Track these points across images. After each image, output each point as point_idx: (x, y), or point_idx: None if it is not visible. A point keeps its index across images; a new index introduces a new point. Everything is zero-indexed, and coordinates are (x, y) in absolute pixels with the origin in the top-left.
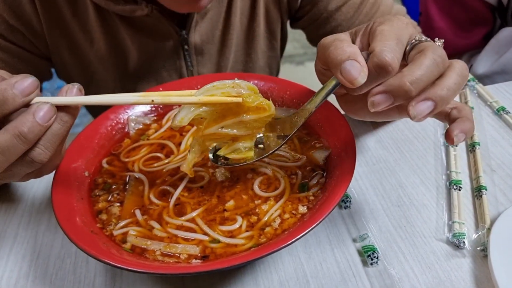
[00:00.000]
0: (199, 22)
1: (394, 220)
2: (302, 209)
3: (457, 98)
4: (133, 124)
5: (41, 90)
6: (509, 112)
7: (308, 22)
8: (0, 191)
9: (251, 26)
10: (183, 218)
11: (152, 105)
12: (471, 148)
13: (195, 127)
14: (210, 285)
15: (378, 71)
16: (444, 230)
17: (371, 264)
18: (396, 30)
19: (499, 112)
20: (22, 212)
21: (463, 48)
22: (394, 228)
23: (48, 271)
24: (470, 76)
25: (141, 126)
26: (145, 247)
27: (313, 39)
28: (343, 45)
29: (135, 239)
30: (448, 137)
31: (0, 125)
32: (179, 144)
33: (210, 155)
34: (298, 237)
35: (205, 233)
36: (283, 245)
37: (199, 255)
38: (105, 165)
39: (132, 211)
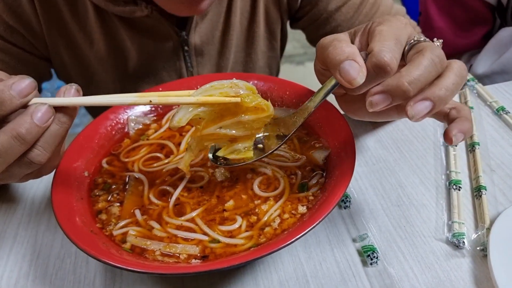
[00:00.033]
0: (199, 23)
1: (394, 220)
2: (302, 209)
3: (456, 98)
4: (132, 124)
5: (41, 90)
6: (509, 112)
7: (308, 22)
8: (0, 191)
9: (251, 27)
10: (182, 218)
11: (151, 105)
12: (471, 148)
13: (194, 127)
14: (210, 285)
15: (377, 71)
16: (443, 230)
17: (371, 264)
18: (395, 30)
19: (499, 112)
20: (22, 212)
21: (462, 48)
22: (393, 228)
23: (48, 271)
24: (470, 76)
25: (140, 126)
26: (144, 247)
27: (313, 40)
28: (342, 45)
29: (134, 239)
30: (447, 137)
31: None
32: (179, 144)
33: (210, 155)
34: (297, 237)
35: (205, 233)
36: (282, 245)
37: (198, 255)
38: (104, 165)
39: (132, 211)
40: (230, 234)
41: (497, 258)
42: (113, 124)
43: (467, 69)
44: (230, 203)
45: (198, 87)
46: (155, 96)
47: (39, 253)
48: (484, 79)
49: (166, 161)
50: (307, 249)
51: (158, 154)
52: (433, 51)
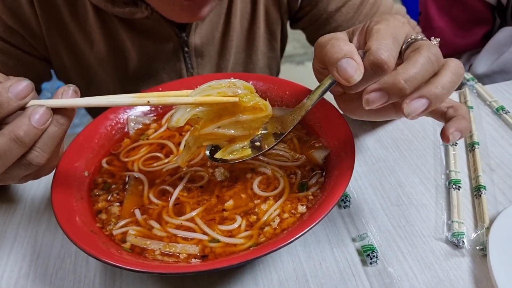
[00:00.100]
0: (199, 24)
1: (394, 219)
2: (301, 208)
3: (456, 98)
4: (132, 124)
5: (40, 91)
6: (508, 112)
7: (308, 23)
8: (0, 192)
9: (251, 28)
10: (182, 217)
11: (150, 106)
12: (470, 147)
13: (193, 127)
14: (210, 285)
15: (374, 69)
16: (443, 230)
17: (371, 263)
18: (392, 29)
19: (499, 111)
20: (22, 212)
21: (462, 48)
22: (393, 227)
23: (48, 271)
24: (470, 76)
25: (140, 126)
26: (144, 246)
27: (313, 40)
28: (340, 43)
29: (134, 239)
30: (444, 135)
31: None
32: (179, 144)
33: (207, 152)
34: (297, 236)
35: (205, 233)
36: (282, 245)
37: (198, 254)
38: (104, 165)
39: (132, 210)
40: (230, 234)
41: (496, 257)
42: (113, 124)
43: (463, 68)
44: (229, 203)
45: (198, 87)
46: (153, 96)
47: (39, 253)
48: (484, 78)
49: (166, 160)
50: (307, 249)
51: (158, 154)
52: (429, 49)
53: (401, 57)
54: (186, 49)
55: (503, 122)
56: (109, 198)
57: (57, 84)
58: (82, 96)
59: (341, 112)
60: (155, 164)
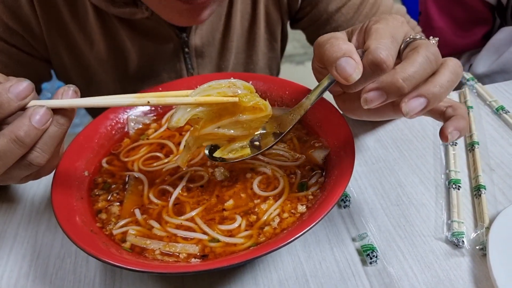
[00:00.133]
0: (200, 25)
1: (393, 219)
2: (301, 208)
3: (456, 98)
4: (132, 124)
5: (40, 91)
6: (508, 112)
7: (308, 23)
8: (0, 191)
9: (252, 28)
10: (182, 217)
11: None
12: (470, 147)
13: (193, 127)
14: (210, 284)
15: (373, 68)
16: (443, 229)
17: (370, 263)
18: (391, 29)
19: (498, 111)
20: (22, 212)
21: (462, 48)
22: (393, 227)
23: (48, 271)
24: (470, 76)
25: (140, 126)
26: (144, 246)
27: (313, 40)
28: (339, 43)
29: (134, 238)
30: (442, 135)
31: None
32: (179, 143)
33: (206, 151)
34: (297, 236)
35: (205, 232)
36: (282, 244)
37: (198, 254)
38: (104, 165)
39: (132, 210)
40: (230, 233)
41: (496, 257)
42: (113, 123)
43: (462, 67)
44: (229, 203)
45: (197, 86)
46: (153, 97)
47: (39, 252)
48: (484, 78)
49: (166, 160)
50: (307, 248)
51: (158, 154)
52: (428, 48)
53: (400, 57)
54: (186, 49)
55: (503, 122)
56: (109, 198)
57: (57, 84)
58: (82, 96)
59: (341, 112)
60: (155, 164)
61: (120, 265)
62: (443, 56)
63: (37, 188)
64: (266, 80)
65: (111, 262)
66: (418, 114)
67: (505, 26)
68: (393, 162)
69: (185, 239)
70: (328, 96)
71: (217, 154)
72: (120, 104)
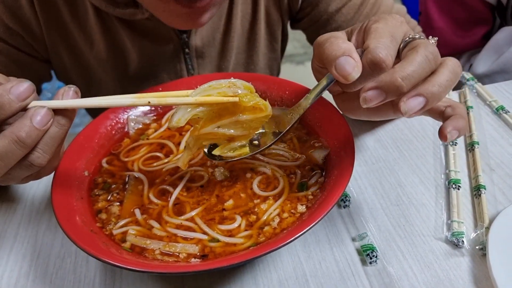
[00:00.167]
0: None
1: (393, 219)
2: (301, 208)
3: (456, 98)
4: (132, 124)
5: (40, 91)
6: (508, 112)
7: (308, 23)
8: (0, 191)
9: (252, 29)
10: (182, 217)
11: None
12: (470, 147)
13: (193, 127)
14: (210, 284)
15: (372, 67)
16: (443, 229)
17: (370, 263)
18: (391, 28)
19: (498, 111)
20: (22, 212)
21: (462, 48)
22: (393, 227)
23: (48, 271)
24: (470, 76)
25: (140, 126)
26: (144, 246)
27: (314, 40)
28: (339, 42)
29: (134, 238)
30: (441, 134)
31: None
32: (179, 143)
33: (205, 150)
34: (297, 236)
35: (204, 232)
36: (282, 244)
37: (198, 254)
38: (104, 165)
39: (132, 210)
40: (230, 233)
41: (496, 257)
42: (113, 123)
43: (461, 67)
44: (229, 203)
45: (198, 86)
46: (153, 97)
47: (39, 252)
48: (484, 78)
49: (166, 160)
50: (307, 248)
51: (158, 154)
52: (427, 47)
53: (399, 56)
54: (186, 50)
55: (503, 122)
56: (109, 197)
57: (57, 84)
58: (82, 97)
59: (340, 112)
60: (155, 164)
61: (120, 265)
62: (443, 56)
63: (37, 188)
64: (266, 80)
65: (111, 262)
66: (417, 114)
67: (505, 26)
68: (393, 162)
69: (185, 239)
70: (328, 96)
71: (216, 152)
72: (121, 105)
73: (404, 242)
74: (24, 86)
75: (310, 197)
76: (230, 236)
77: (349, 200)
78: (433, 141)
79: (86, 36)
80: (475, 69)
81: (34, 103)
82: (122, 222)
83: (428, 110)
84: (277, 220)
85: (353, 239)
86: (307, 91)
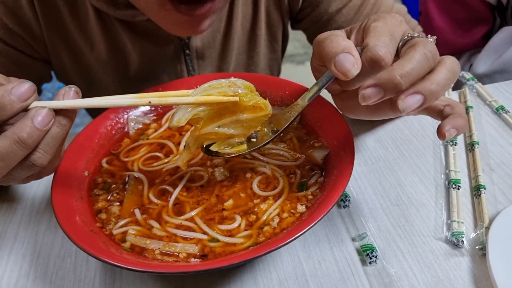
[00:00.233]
0: None
1: (393, 219)
2: (301, 208)
3: (456, 98)
4: (132, 124)
5: (40, 92)
6: (508, 111)
7: (309, 24)
8: (0, 191)
9: (253, 30)
10: (182, 217)
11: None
12: (470, 147)
13: (193, 127)
14: (210, 284)
15: (371, 65)
16: (442, 229)
17: (370, 263)
18: (390, 27)
19: (498, 111)
20: (23, 212)
21: (462, 48)
22: (393, 227)
23: (48, 271)
24: (470, 75)
25: (140, 126)
26: (144, 246)
27: None
28: (338, 39)
29: (134, 238)
30: (440, 132)
31: None
32: (179, 143)
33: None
34: (296, 236)
35: (204, 232)
36: (281, 244)
37: (198, 254)
38: (104, 165)
39: (132, 210)
40: (229, 233)
41: (496, 257)
42: (113, 123)
43: (459, 65)
44: (229, 202)
45: (198, 86)
46: (154, 97)
47: (39, 252)
48: (484, 78)
49: (166, 160)
50: (306, 248)
51: (158, 154)
52: (425, 46)
53: (398, 55)
54: (187, 51)
55: (503, 122)
56: (109, 197)
57: (58, 85)
58: (82, 97)
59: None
60: (155, 164)
61: (120, 265)
62: (442, 56)
63: (37, 188)
64: (266, 80)
65: (111, 262)
66: (414, 111)
67: (505, 26)
68: (393, 162)
69: (185, 239)
70: (327, 96)
71: (213, 148)
72: (122, 105)
73: (404, 242)
74: (25, 86)
75: (310, 197)
76: (230, 236)
77: (349, 200)
78: (433, 141)
79: (86, 37)
80: (475, 69)
81: (35, 104)
82: (122, 222)
83: (427, 108)
84: (276, 220)
85: (353, 239)
86: (307, 91)
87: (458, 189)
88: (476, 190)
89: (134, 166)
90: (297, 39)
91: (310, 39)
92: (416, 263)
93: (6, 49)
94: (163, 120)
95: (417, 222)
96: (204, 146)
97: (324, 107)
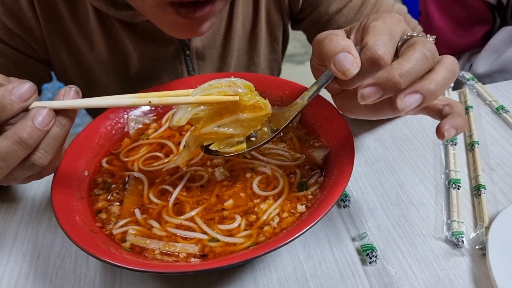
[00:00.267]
0: None
1: (393, 219)
2: (301, 208)
3: (456, 98)
4: (132, 124)
5: (40, 92)
6: (508, 111)
7: (309, 24)
8: (0, 191)
9: (253, 30)
10: (182, 217)
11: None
12: (470, 147)
13: (193, 126)
14: (210, 284)
15: (371, 64)
16: (442, 229)
17: (370, 263)
18: (389, 26)
19: (498, 111)
20: (23, 212)
21: (462, 47)
22: (393, 227)
23: (48, 271)
24: (470, 75)
25: (140, 126)
26: (144, 246)
27: None
28: (338, 38)
29: (134, 238)
30: (439, 132)
31: None
32: (179, 143)
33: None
34: (296, 235)
35: (204, 232)
36: (281, 244)
37: (198, 254)
38: (104, 165)
39: (132, 210)
40: (229, 233)
41: (496, 257)
42: (113, 123)
43: (458, 65)
44: (229, 202)
45: (198, 86)
46: (154, 96)
47: (39, 252)
48: (484, 78)
49: (166, 160)
50: (306, 248)
51: (158, 154)
52: (424, 45)
53: (397, 55)
54: (187, 52)
55: (503, 122)
56: (109, 197)
57: (58, 85)
58: (82, 97)
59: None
60: (155, 164)
61: (120, 264)
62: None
63: (37, 188)
64: (266, 80)
65: (111, 261)
66: (413, 111)
67: (505, 25)
68: (393, 162)
69: (185, 238)
70: (327, 95)
71: (213, 147)
72: (122, 105)
73: (404, 242)
74: (25, 87)
75: (310, 196)
76: (229, 235)
77: (349, 200)
78: (433, 141)
79: (86, 37)
80: (475, 69)
81: (36, 104)
82: (122, 222)
83: (426, 108)
84: (276, 219)
85: (353, 239)
86: (306, 90)
87: (458, 189)
88: (476, 190)
89: (134, 166)
90: (297, 39)
91: (311, 39)
92: (416, 262)
93: (6, 50)
94: (163, 120)
95: (417, 222)
96: (204, 145)
97: (324, 107)
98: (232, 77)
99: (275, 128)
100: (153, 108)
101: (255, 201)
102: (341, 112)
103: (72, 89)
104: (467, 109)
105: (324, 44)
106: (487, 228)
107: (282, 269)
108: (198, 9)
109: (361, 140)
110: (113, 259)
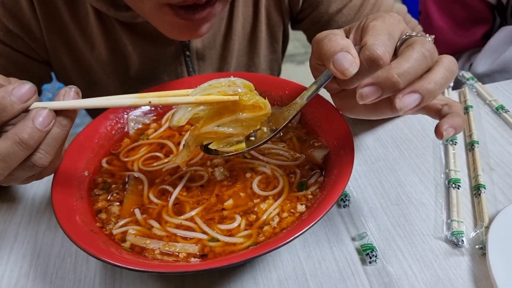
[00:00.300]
0: None
1: (393, 218)
2: (301, 207)
3: (456, 97)
4: (132, 124)
5: (40, 93)
6: (508, 111)
7: (309, 24)
8: (0, 191)
9: (254, 31)
10: (182, 217)
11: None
12: (470, 146)
13: (193, 126)
14: (210, 284)
15: (370, 64)
16: (442, 229)
17: (370, 262)
18: (388, 26)
19: (498, 110)
20: (23, 212)
21: (462, 47)
22: (392, 226)
23: (48, 270)
24: (469, 75)
25: (140, 126)
26: (144, 246)
27: None
28: (337, 38)
29: (134, 238)
30: (437, 131)
31: None
32: (179, 143)
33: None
34: (296, 235)
35: (204, 232)
36: (281, 244)
37: (198, 253)
38: (104, 165)
39: (132, 210)
40: (229, 233)
41: (495, 256)
42: (113, 123)
43: (457, 64)
44: (229, 202)
45: (198, 86)
46: (154, 96)
47: (39, 252)
48: (484, 78)
49: (166, 160)
50: (306, 248)
51: (158, 154)
52: (423, 45)
53: (396, 54)
54: (187, 52)
55: (502, 121)
56: (109, 197)
57: (58, 85)
58: (82, 98)
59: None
60: (155, 164)
61: (120, 264)
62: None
63: (37, 188)
64: (265, 80)
65: (111, 261)
66: (412, 110)
67: (505, 25)
68: (392, 162)
69: (185, 238)
70: (327, 95)
71: (212, 146)
72: (122, 105)
73: (404, 242)
74: (25, 87)
75: (310, 196)
76: (229, 235)
77: (348, 200)
78: (433, 141)
79: (86, 38)
80: (475, 69)
81: (36, 105)
82: (122, 222)
83: (425, 108)
84: (276, 219)
85: (353, 239)
86: (305, 90)
87: (458, 188)
88: (476, 190)
89: (134, 166)
90: (297, 39)
91: (311, 39)
92: (416, 262)
93: (6, 51)
94: (163, 120)
95: (417, 222)
96: (203, 144)
97: (324, 106)
98: (232, 76)
99: (274, 128)
100: (153, 108)
101: (255, 201)
102: (340, 112)
103: (72, 89)
104: (467, 108)
105: (323, 44)
106: (487, 227)
107: (282, 269)
108: (197, 11)
109: (361, 140)
110: (113, 259)
